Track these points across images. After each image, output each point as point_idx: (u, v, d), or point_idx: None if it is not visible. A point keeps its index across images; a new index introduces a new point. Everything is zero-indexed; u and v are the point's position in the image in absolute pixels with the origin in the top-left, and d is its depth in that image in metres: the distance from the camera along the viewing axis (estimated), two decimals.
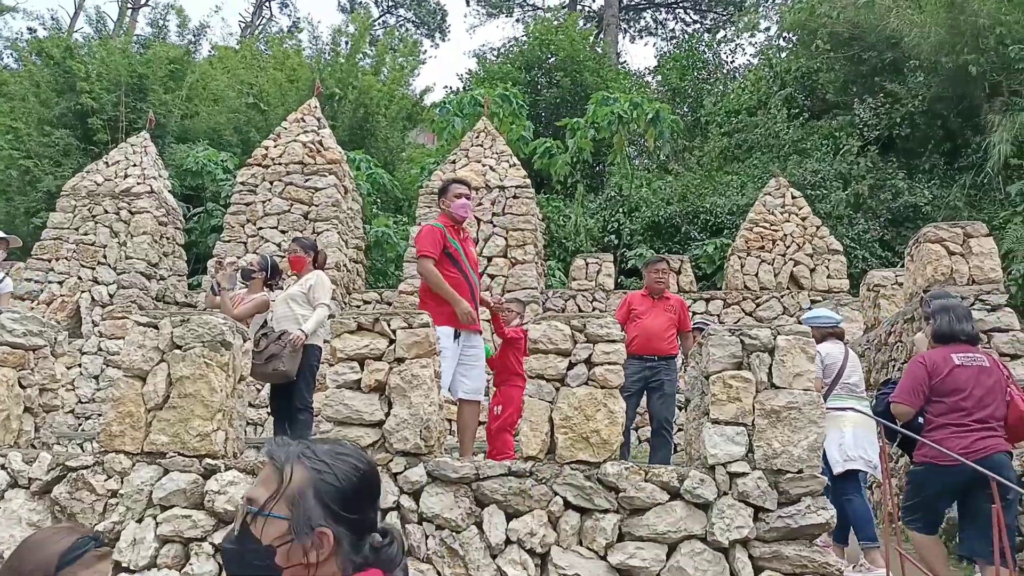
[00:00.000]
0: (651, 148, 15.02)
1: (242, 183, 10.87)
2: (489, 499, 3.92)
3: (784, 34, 17.61)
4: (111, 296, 10.47)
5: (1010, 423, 4.04)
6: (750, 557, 3.71)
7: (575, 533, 3.84)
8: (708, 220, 14.46)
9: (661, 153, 15.64)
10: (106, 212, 10.92)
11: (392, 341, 4.17)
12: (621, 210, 15.60)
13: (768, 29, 19.10)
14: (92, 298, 10.45)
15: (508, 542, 3.84)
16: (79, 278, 10.58)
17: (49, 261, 10.68)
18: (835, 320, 5.08)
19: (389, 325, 4.19)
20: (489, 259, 9.85)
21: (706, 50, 20.91)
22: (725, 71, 20.54)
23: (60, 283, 10.59)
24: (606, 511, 3.85)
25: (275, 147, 11.08)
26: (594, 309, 10.22)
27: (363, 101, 15.78)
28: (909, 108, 14.14)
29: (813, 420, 3.86)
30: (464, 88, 19.09)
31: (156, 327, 4.31)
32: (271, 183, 10.77)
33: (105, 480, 4.08)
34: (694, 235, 14.59)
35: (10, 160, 15.26)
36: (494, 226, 10.03)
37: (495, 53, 20.21)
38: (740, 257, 10.44)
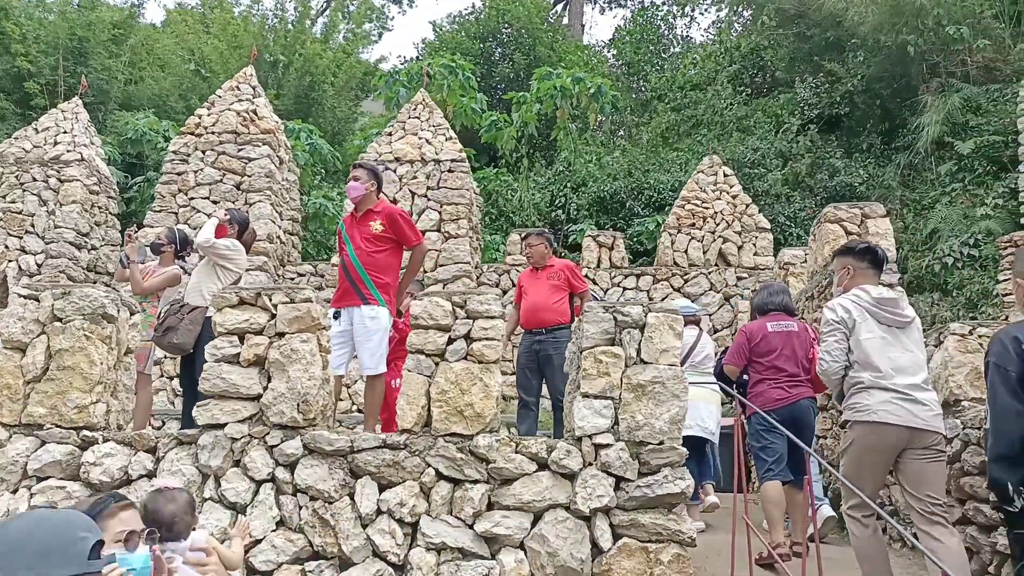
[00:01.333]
0: (593, 124, 15.06)
1: (174, 152, 10.71)
2: (363, 471, 4.02)
3: (736, 8, 17.67)
4: (39, 266, 10.31)
5: (813, 376, 4.81)
6: (610, 525, 3.88)
7: (446, 503, 3.96)
8: (652, 196, 14.61)
9: (604, 128, 15.68)
10: (34, 180, 10.71)
11: (273, 315, 4.22)
12: (568, 185, 15.68)
13: (720, 4, 19.16)
14: (20, 268, 10.28)
15: (379, 512, 3.95)
16: (6, 247, 10.39)
17: None
18: (693, 310, 6.38)
19: (271, 299, 4.23)
20: (423, 233, 9.86)
21: (661, 24, 20.91)
22: (679, 47, 20.58)
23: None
24: (476, 481, 3.98)
25: (208, 116, 10.92)
26: None
27: (309, 69, 15.54)
28: (848, 87, 14.36)
29: (676, 394, 4.01)
30: (417, 58, 18.88)
31: (37, 299, 4.30)
32: (203, 152, 10.63)
33: None
34: (638, 211, 14.74)
35: None
36: (428, 200, 10.05)
37: (451, 22, 19.96)
38: (671, 234, 10.61)
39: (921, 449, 3.60)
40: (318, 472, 4.00)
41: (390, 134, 10.64)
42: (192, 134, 10.82)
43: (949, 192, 12.53)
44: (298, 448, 4.05)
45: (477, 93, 14.31)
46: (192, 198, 10.48)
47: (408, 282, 5.41)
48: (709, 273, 10.22)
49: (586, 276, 10.85)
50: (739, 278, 9.93)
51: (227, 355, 4.15)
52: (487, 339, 4.17)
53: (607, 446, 3.96)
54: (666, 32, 20.74)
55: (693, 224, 10.63)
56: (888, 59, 14.19)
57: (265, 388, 4.13)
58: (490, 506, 3.98)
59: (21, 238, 10.41)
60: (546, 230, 7.02)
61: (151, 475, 4.04)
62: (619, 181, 15.25)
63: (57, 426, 4.11)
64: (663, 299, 10.27)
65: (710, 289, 9.99)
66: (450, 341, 4.20)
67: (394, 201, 10.13)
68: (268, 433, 4.08)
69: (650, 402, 3.98)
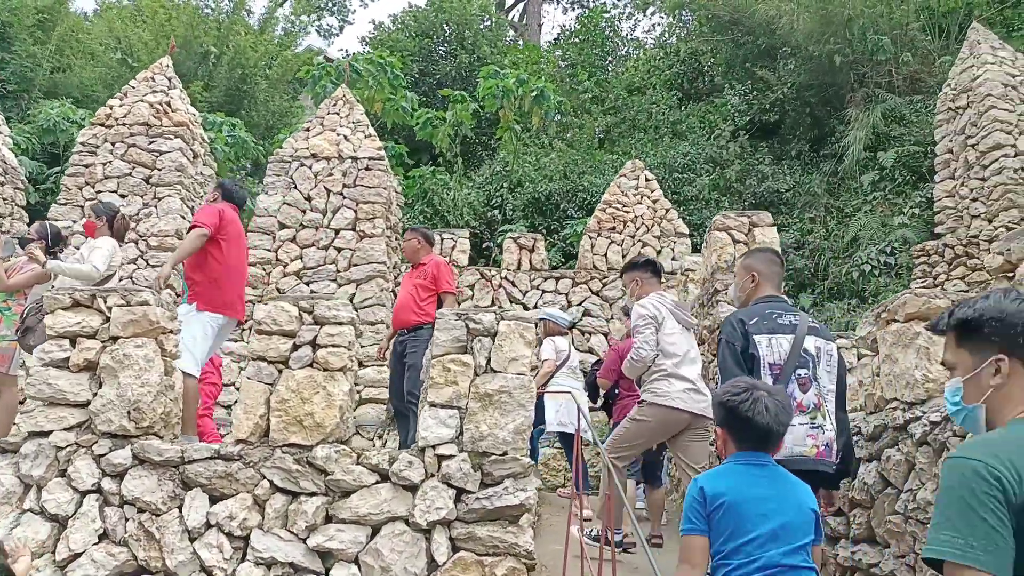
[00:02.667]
0: (536, 125, 15.00)
1: (82, 143, 10.32)
2: (195, 482, 3.86)
3: (676, 13, 17.77)
4: None
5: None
6: (449, 538, 3.78)
7: (280, 517, 3.82)
8: (584, 198, 14.60)
9: (546, 131, 15.65)
10: None
11: (107, 319, 4.03)
12: (505, 185, 15.61)
13: (663, 9, 19.25)
14: None
15: (209, 526, 3.80)
16: None
17: None
18: (567, 322, 6.80)
19: (105, 302, 4.04)
20: (337, 232, 9.69)
21: (606, 26, 20.94)
22: (624, 48, 20.66)
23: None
24: (313, 494, 3.85)
25: (120, 107, 10.55)
26: None
27: (240, 61, 15.19)
28: (779, 95, 14.53)
29: (522, 404, 3.93)
30: (352, 54, 18.60)
31: None
32: (113, 144, 10.26)
33: None
34: (571, 213, 14.73)
35: None
36: (344, 198, 9.85)
37: (392, 19, 19.71)
38: (591, 237, 10.58)
39: (696, 430, 4.41)
40: (146, 483, 3.83)
41: (307, 129, 10.40)
42: (103, 125, 10.44)
43: (871, 200, 12.76)
44: (127, 458, 3.87)
45: (407, 91, 14.12)
46: (99, 191, 10.10)
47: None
48: None
49: (505, 278, 10.80)
50: None
51: (55, 359, 3.95)
52: (333, 346, 4.04)
53: (450, 457, 3.86)
54: (611, 35, 20.79)
55: (614, 228, 10.62)
56: (818, 68, 14.40)
57: (95, 395, 3.94)
58: (329, 519, 3.85)
59: None
60: (421, 227, 6.92)
61: None
62: (555, 183, 15.23)
63: None
64: (580, 302, 10.25)
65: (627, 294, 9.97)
66: (296, 348, 4.07)
67: (308, 199, 9.93)
68: (96, 442, 3.89)
69: (496, 412, 3.89)
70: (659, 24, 19.62)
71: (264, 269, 9.56)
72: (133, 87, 10.82)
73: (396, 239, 10.50)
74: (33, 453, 3.85)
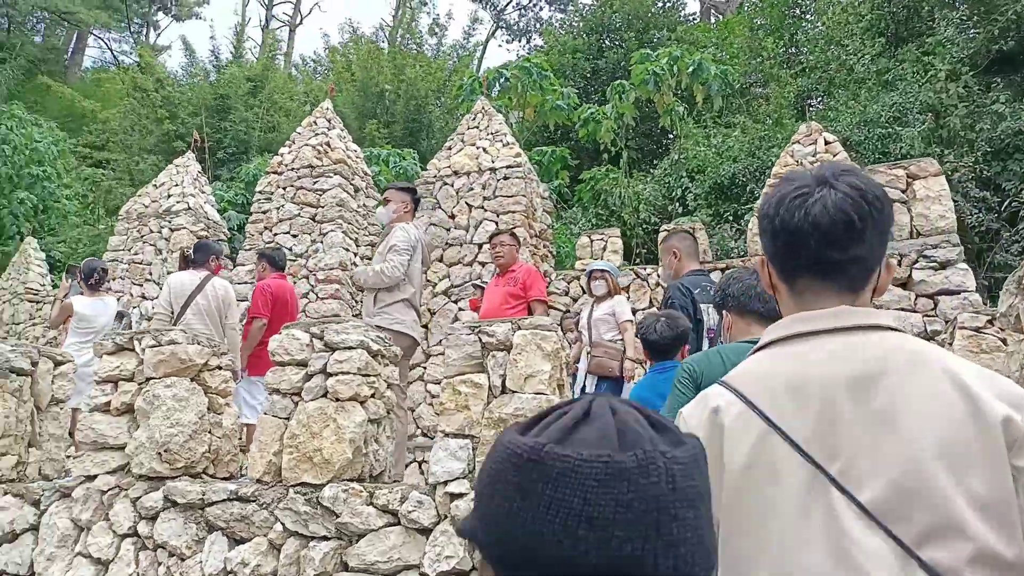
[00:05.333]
0: (700, 103, 13.72)
1: (260, 192, 11.25)
2: (215, 525, 3.69)
3: None
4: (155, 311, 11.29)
5: None
6: None
7: (293, 563, 3.52)
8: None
9: (716, 107, 14.21)
10: (151, 232, 11.79)
11: (141, 361, 4.05)
12: (683, 173, 14.46)
13: None
14: (140, 314, 11.33)
15: (227, 572, 3.60)
16: (130, 295, 11.52)
17: (109, 281, 11.72)
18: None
19: (140, 343, 4.07)
20: (480, 246, 9.47)
21: None
22: (813, 2, 18.29)
23: (117, 300, 11.58)
24: (325, 538, 3.50)
25: (288, 153, 11.35)
26: None
27: (412, 93, 15.80)
28: (1010, 17, 11.80)
29: None
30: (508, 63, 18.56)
31: None
32: (284, 189, 11.05)
33: None
34: (759, 194, 13.18)
35: (111, 187, 16.96)
36: (485, 211, 9.62)
37: (560, 22, 19.38)
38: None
39: None
40: (174, 526, 3.74)
41: (449, 148, 10.37)
42: (275, 172, 11.30)
43: None
44: (159, 500, 3.82)
45: (555, 88, 13.57)
46: (276, 234, 10.92)
47: None
48: None
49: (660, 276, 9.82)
50: None
51: (99, 404, 4.04)
52: (343, 373, 3.68)
53: (460, 496, 3.30)
54: None
55: None
56: None
57: (131, 437, 3.96)
58: (346, 566, 3.47)
59: (141, 286, 11.47)
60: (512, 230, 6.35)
61: (34, 528, 4.02)
62: (739, 163, 13.78)
63: None
64: None
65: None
66: (308, 378, 3.77)
67: (451, 216, 9.85)
68: (133, 485, 3.89)
69: None
70: None
71: None
72: (299, 133, 11.60)
73: (545, 246, 10.04)
74: (83, 497, 3.95)
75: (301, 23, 34.92)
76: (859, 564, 1.01)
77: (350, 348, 3.71)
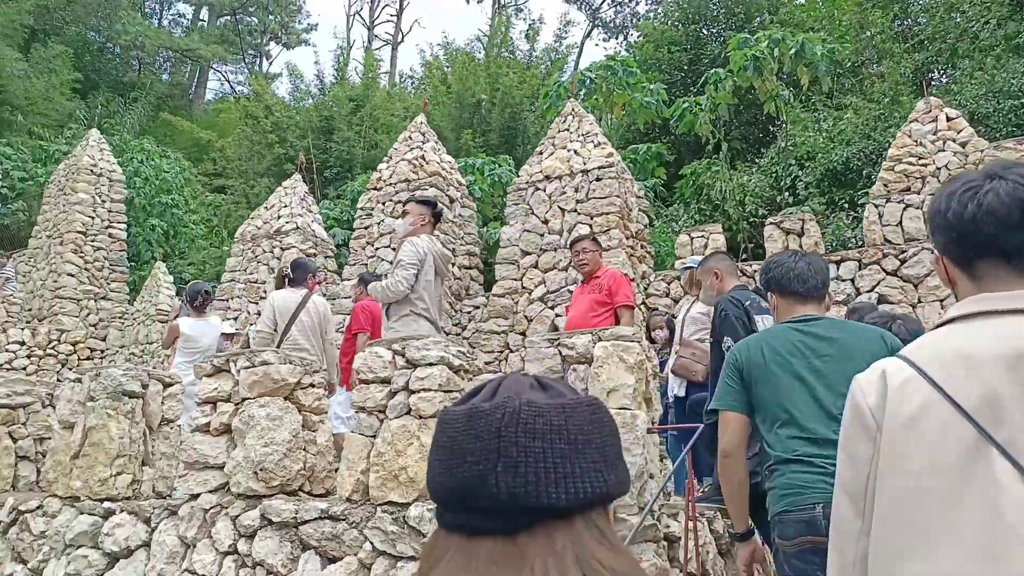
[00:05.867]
0: (804, 86, 12.96)
1: (360, 208, 11.58)
2: (308, 544, 3.74)
3: None
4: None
5: None
6: None
7: None
8: None
9: (824, 89, 13.36)
10: (264, 251, 12.37)
11: (237, 382, 4.16)
12: (792, 161, 13.73)
13: None
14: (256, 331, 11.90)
15: None
16: (248, 313, 12.13)
17: (227, 301, 12.40)
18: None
19: (235, 365, 4.19)
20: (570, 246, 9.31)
21: None
22: None
23: (235, 319, 12.24)
24: (412, 558, 3.46)
25: (386, 169, 11.62)
26: None
27: (508, 101, 15.84)
28: None
29: (626, 448, 3.07)
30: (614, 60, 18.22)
31: (80, 381, 4.80)
32: (383, 204, 11.32)
33: (46, 521, 4.64)
34: (876, 178, 12.29)
35: (230, 210, 17.97)
36: (578, 214, 9.46)
37: (656, 15, 18.90)
38: (878, 205, 8.59)
39: None
40: (270, 545, 3.81)
41: (540, 153, 10.28)
42: (375, 189, 11.60)
43: None
44: (256, 519, 3.90)
45: (642, 84, 13.16)
46: (377, 248, 11.20)
47: None
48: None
49: None
50: None
51: (200, 425, 4.19)
52: (424, 390, 3.64)
53: None
54: None
55: (907, 188, 8.49)
56: None
57: (230, 457, 4.08)
58: None
59: (256, 304, 12.05)
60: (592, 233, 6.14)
61: (147, 545, 4.21)
62: (852, 147, 12.93)
63: (89, 498, 4.50)
64: (871, 288, 8.33)
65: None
66: (392, 395, 3.76)
67: (544, 222, 9.74)
68: (233, 503, 4.01)
69: None
70: None
71: (512, 299, 9.57)
72: (396, 149, 11.85)
73: (642, 247, 9.75)
74: (188, 515, 4.10)
75: (403, 41, 36.02)
76: (1018, 526, 1.06)
77: (431, 364, 3.66)
